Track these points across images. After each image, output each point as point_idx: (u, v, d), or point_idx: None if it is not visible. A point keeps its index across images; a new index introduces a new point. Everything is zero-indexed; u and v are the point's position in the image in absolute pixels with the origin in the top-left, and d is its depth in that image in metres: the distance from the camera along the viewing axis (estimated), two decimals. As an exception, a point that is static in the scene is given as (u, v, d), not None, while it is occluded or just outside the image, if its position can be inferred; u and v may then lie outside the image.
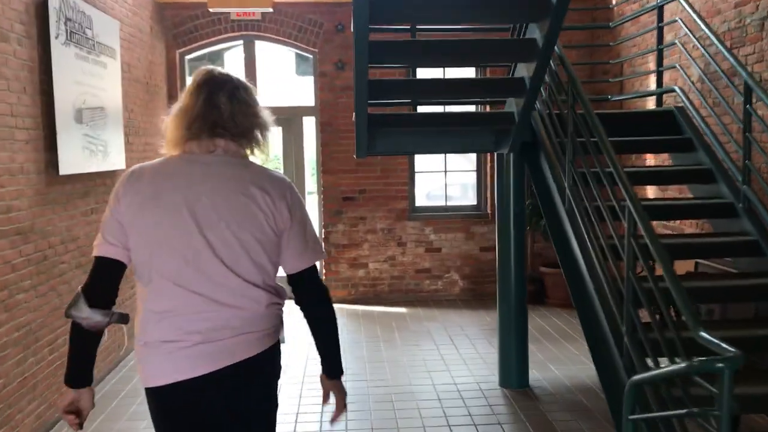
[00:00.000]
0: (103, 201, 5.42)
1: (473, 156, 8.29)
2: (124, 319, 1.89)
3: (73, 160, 4.71)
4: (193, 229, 1.81)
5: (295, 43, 7.72)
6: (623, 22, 5.99)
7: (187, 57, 7.83)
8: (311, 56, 7.88)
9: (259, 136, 1.97)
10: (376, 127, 4.19)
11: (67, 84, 4.61)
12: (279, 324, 1.99)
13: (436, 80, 4.51)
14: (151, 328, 1.85)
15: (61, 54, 4.52)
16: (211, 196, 1.82)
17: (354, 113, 4.18)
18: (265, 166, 1.98)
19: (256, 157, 2.01)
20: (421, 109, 5.37)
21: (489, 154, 7.85)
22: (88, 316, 1.80)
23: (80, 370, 1.88)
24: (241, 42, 7.85)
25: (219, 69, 1.99)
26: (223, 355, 1.83)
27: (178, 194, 1.82)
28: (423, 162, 8.20)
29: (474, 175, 8.20)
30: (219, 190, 1.83)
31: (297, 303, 2.02)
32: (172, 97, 7.55)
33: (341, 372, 2.09)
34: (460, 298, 7.94)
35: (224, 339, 1.84)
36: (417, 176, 8.10)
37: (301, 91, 8.30)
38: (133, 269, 1.90)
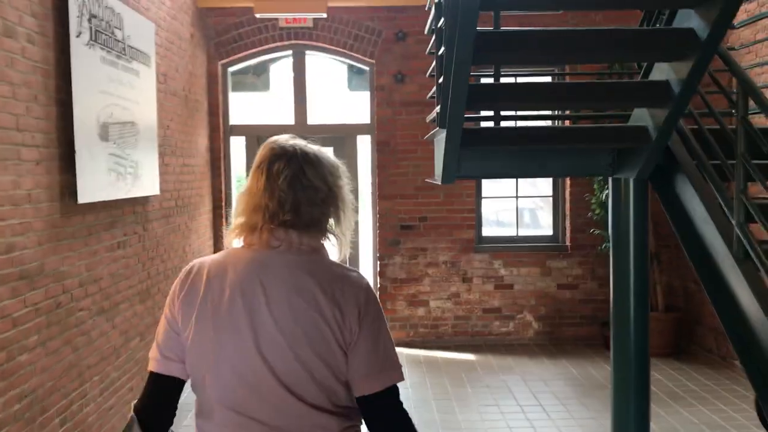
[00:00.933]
0: (132, 232, 4.62)
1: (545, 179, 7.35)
2: None
3: (95, 184, 3.90)
4: (251, 346, 1.49)
5: (350, 53, 6.89)
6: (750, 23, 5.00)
7: (231, 69, 7.06)
8: (367, 68, 7.04)
9: (332, 224, 1.62)
10: (467, 144, 3.29)
11: (90, 93, 3.82)
12: None
13: (553, 84, 3.60)
14: None
15: (84, 56, 3.73)
16: (272, 306, 1.50)
17: (440, 127, 3.30)
18: (338, 262, 1.63)
19: (334, 241, 1.64)
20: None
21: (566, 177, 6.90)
22: None
23: None
24: (290, 53, 7.06)
25: (283, 141, 1.61)
26: None
27: (236, 304, 1.51)
28: (491, 186, 7.27)
29: (548, 200, 7.26)
30: (280, 298, 1.50)
31: (370, 430, 1.58)
32: (213, 114, 6.79)
33: None
34: (535, 343, 6.94)
35: None
36: (484, 202, 7.17)
37: (354, 108, 7.48)
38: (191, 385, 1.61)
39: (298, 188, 1.53)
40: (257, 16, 6.52)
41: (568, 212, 6.97)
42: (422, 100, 6.78)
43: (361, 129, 7.12)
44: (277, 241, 1.54)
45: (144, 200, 4.85)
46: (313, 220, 1.56)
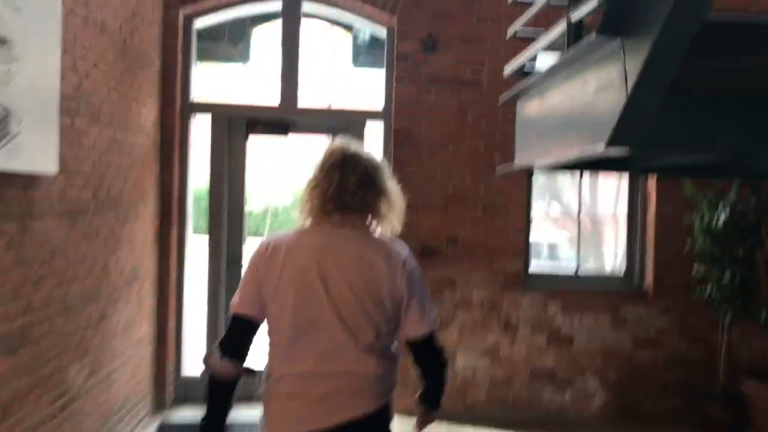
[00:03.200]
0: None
1: (609, 193, 5.50)
2: (251, 373, 2.11)
3: None
4: (324, 299, 2.03)
5: (362, 5, 5.01)
6: None
7: (197, 23, 5.12)
8: (384, 29, 5.16)
9: (385, 211, 2.16)
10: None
11: None
12: (393, 384, 2.14)
13: None
14: (276, 385, 2.08)
15: None
16: (341, 268, 2.05)
17: (607, 32, 1.46)
18: (387, 236, 2.17)
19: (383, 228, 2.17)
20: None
21: (650, 188, 5.04)
22: (221, 365, 2.03)
23: (214, 423, 2.08)
24: (279, 5, 5.16)
25: (351, 147, 2.17)
26: (338, 412, 2.02)
27: (312, 268, 2.05)
28: (541, 201, 5.39)
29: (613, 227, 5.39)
30: (348, 262, 2.06)
31: (414, 362, 2.18)
32: (168, 81, 4.83)
33: (438, 407, 2.27)
34: (601, 420, 4.99)
35: (339, 399, 2.02)
36: (533, 222, 5.27)
37: (362, 89, 5.61)
38: (267, 329, 2.12)
39: (365, 184, 2.11)
40: (237, -59, 4.64)
41: (652, 243, 5.08)
42: (460, 76, 4.93)
43: (371, 114, 5.20)
44: (345, 223, 2.11)
45: (27, 181, 2.88)
46: (371, 207, 2.13)
